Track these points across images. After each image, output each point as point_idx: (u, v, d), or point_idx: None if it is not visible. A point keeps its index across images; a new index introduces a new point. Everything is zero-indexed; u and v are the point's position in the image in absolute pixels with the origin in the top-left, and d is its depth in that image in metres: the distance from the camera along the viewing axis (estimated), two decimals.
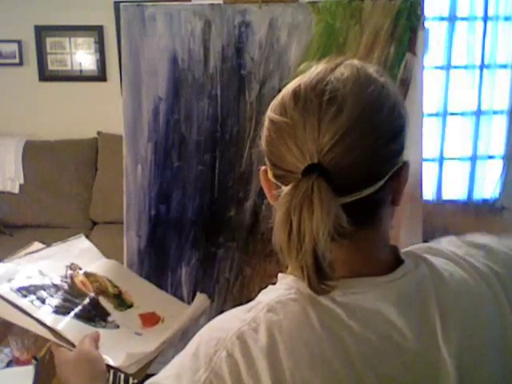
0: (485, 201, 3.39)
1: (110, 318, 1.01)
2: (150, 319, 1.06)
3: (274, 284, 0.67)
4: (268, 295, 0.64)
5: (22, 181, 3.16)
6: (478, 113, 3.28)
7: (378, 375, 0.58)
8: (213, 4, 1.27)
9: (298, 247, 0.56)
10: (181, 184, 1.32)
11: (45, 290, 1.00)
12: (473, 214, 3.36)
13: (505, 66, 3.28)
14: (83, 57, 3.30)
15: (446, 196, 3.36)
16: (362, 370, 0.58)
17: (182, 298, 1.29)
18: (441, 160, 3.32)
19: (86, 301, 1.02)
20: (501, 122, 3.34)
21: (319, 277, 0.57)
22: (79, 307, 0.99)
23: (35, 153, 3.21)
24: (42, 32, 3.24)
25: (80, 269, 1.10)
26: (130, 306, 1.08)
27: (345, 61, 0.64)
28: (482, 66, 3.23)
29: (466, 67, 3.25)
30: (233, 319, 0.63)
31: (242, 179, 1.32)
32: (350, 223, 0.57)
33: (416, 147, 1.30)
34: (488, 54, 3.21)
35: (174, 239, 1.34)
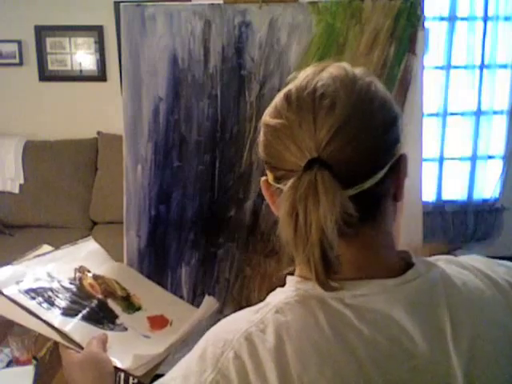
0: (485, 201, 3.39)
1: (118, 321, 1.02)
2: (159, 322, 1.06)
3: (282, 286, 0.67)
4: (276, 297, 0.64)
5: (22, 181, 3.16)
6: (478, 113, 3.28)
7: (386, 380, 0.58)
8: (213, 4, 1.27)
9: (304, 240, 0.56)
10: (181, 184, 1.32)
11: (53, 292, 1.00)
12: (473, 213, 3.37)
13: (505, 66, 3.28)
14: (83, 57, 3.30)
15: (445, 196, 3.36)
16: (370, 374, 0.57)
17: (181, 298, 1.29)
18: (441, 160, 3.32)
19: (94, 303, 1.02)
20: (501, 121, 3.34)
21: (326, 270, 0.57)
22: (87, 309, 0.99)
23: (35, 153, 3.21)
24: (42, 32, 3.24)
25: (89, 271, 1.10)
26: (138, 308, 1.08)
27: (332, 63, 0.65)
28: (482, 66, 3.23)
29: (465, 67, 3.25)
30: (240, 320, 0.63)
31: (242, 179, 1.32)
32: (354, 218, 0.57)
33: (416, 147, 1.30)
34: (488, 54, 3.21)
35: (174, 239, 1.34)
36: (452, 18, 3.18)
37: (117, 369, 0.88)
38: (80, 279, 1.07)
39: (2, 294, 0.94)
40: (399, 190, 0.65)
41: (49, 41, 3.27)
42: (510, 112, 3.32)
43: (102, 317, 1.00)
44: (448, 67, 3.23)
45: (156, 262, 1.34)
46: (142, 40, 1.27)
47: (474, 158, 3.34)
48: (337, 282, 0.59)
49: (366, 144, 0.59)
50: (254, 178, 1.32)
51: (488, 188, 3.38)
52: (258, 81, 1.28)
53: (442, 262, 0.68)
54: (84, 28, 3.25)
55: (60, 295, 1.00)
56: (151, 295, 1.13)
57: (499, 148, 3.39)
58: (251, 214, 1.33)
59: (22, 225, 3.12)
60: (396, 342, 0.59)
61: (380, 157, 0.61)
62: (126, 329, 1.00)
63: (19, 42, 3.25)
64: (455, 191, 3.39)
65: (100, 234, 2.99)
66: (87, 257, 1.15)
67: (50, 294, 0.99)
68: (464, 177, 3.37)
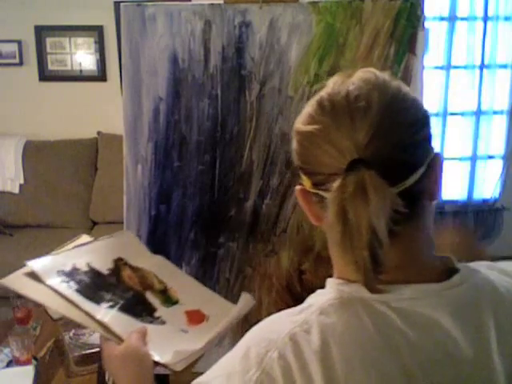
0: (485, 201, 3.39)
1: (156, 314, 1.01)
2: (196, 317, 1.05)
3: (322, 288, 0.67)
4: (318, 298, 0.64)
5: (21, 181, 3.16)
6: (478, 113, 3.28)
7: (431, 383, 0.58)
8: (213, 4, 1.27)
9: (353, 241, 0.57)
10: (181, 184, 1.32)
11: (93, 282, 1.01)
12: (473, 214, 3.37)
13: (505, 66, 3.28)
14: (83, 57, 3.30)
15: (446, 196, 3.36)
16: (415, 377, 0.58)
17: None
18: None
19: (133, 295, 1.02)
20: (501, 121, 3.34)
21: (375, 270, 0.57)
22: (126, 301, 0.99)
23: (35, 153, 3.21)
24: (42, 32, 3.24)
25: (126, 263, 1.10)
26: (176, 302, 1.07)
27: (358, 70, 0.67)
28: (482, 66, 3.23)
29: (465, 67, 3.25)
30: (283, 321, 0.63)
31: (242, 179, 1.32)
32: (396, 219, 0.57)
33: None
34: (488, 54, 3.21)
35: (174, 239, 1.34)
36: (452, 18, 3.18)
37: (156, 363, 0.88)
38: (119, 270, 1.07)
39: (45, 283, 0.94)
40: (436, 187, 0.66)
41: (49, 41, 3.27)
42: (510, 112, 3.32)
43: (140, 309, 1.00)
44: (448, 67, 3.23)
45: None
46: (142, 40, 1.27)
47: (473, 158, 3.34)
48: (381, 284, 0.60)
49: (404, 142, 0.60)
50: (254, 178, 1.32)
51: (488, 188, 3.38)
52: (258, 81, 1.27)
53: (484, 267, 0.69)
54: (84, 28, 3.25)
55: (99, 286, 1.00)
56: (188, 289, 1.12)
57: (499, 148, 3.39)
58: (251, 214, 1.33)
59: (21, 225, 3.12)
60: (441, 347, 0.59)
61: (418, 154, 0.62)
62: (164, 322, 1.00)
63: (19, 42, 3.25)
64: (455, 191, 3.39)
65: (100, 234, 2.98)
66: (125, 248, 1.15)
67: (89, 284, 0.99)
68: (464, 177, 3.37)
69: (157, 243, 1.34)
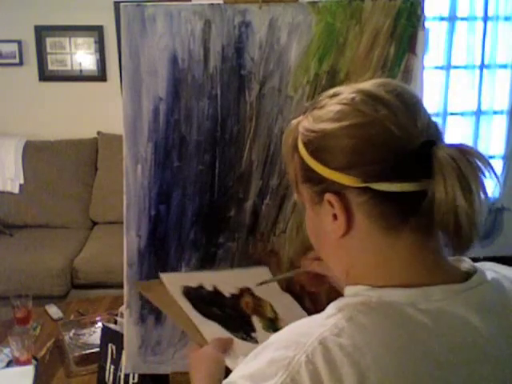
0: None
1: (253, 334, 1.03)
2: None
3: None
4: (345, 304, 0.64)
5: (22, 181, 3.17)
6: (478, 113, 3.28)
7: (465, 382, 0.58)
8: (213, 4, 1.27)
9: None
10: (181, 184, 1.32)
11: (210, 299, 1.08)
12: None
13: (505, 66, 3.28)
14: (83, 57, 3.30)
15: None
16: (449, 377, 0.58)
17: None
18: None
19: (239, 315, 1.06)
20: (501, 121, 3.34)
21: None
22: (229, 316, 1.04)
23: (35, 153, 3.21)
24: (42, 32, 3.24)
25: (252, 294, 1.13)
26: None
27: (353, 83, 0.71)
28: (482, 66, 3.24)
29: (465, 67, 3.25)
30: (312, 325, 0.62)
31: (242, 179, 1.32)
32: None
33: None
34: (488, 54, 3.21)
35: (174, 239, 1.34)
36: (452, 18, 3.18)
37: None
38: (239, 297, 1.11)
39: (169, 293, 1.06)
40: None
41: (49, 41, 3.27)
42: (510, 112, 3.32)
43: (239, 326, 1.03)
44: (448, 67, 3.24)
45: (156, 262, 1.33)
46: (142, 40, 1.27)
47: None
48: (409, 288, 0.61)
49: (436, 125, 0.68)
50: (254, 178, 1.32)
51: (488, 188, 3.38)
52: (257, 81, 1.27)
53: (489, 269, 0.69)
54: (84, 28, 3.25)
55: (214, 303, 1.07)
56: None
57: (499, 148, 3.39)
58: (251, 214, 1.33)
59: (21, 225, 3.12)
60: (473, 346, 0.60)
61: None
62: (257, 342, 1.00)
63: (19, 42, 3.26)
64: None
65: (100, 234, 2.99)
66: (254, 280, 1.18)
67: (206, 300, 1.07)
68: None
69: (157, 243, 1.33)
